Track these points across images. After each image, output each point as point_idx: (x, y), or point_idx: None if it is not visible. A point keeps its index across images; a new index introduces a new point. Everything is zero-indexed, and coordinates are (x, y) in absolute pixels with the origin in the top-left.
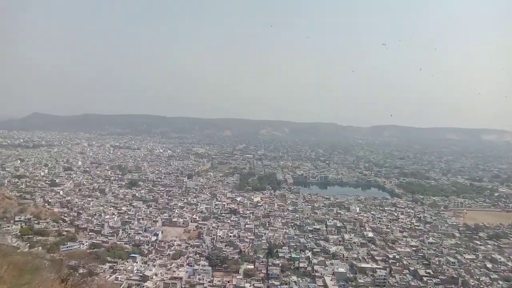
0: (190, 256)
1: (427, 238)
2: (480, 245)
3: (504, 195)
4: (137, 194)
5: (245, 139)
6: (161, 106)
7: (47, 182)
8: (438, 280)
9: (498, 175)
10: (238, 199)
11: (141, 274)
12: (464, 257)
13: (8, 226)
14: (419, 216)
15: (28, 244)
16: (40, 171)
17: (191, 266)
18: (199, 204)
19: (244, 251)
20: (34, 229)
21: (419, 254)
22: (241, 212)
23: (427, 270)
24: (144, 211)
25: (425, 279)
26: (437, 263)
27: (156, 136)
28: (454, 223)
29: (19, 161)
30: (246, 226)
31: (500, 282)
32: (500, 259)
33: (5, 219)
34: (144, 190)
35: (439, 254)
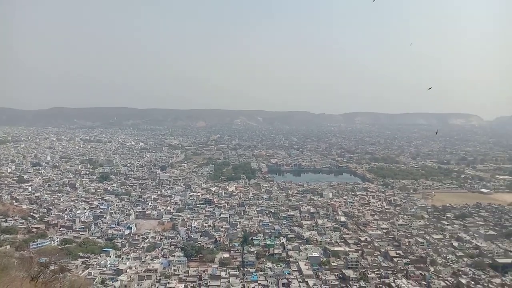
0: (165, 248)
1: (397, 220)
2: (447, 225)
3: (470, 177)
4: (109, 188)
5: (219, 129)
6: (132, 98)
7: (14, 178)
8: (408, 260)
9: (465, 158)
10: (213, 189)
11: (115, 268)
12: (432, 237)
13: None
14: (389, 199)
15: None
16: (6, 168)
17: (166, 257)
18: (173, 195)
19: (219, 240)
20: (2, 227)
21: (390, 236)
22: (216, 202)
23: (398, 251)
24: (116, 205)
25: (395, 259)
26: (407, 244)
27: (128, 129)
28: (423, 205)
29: None
30: (221, 215)
31: (465, 259)
32: (465, 237)
33: None
34: (116, 184)
35: (409, 235)
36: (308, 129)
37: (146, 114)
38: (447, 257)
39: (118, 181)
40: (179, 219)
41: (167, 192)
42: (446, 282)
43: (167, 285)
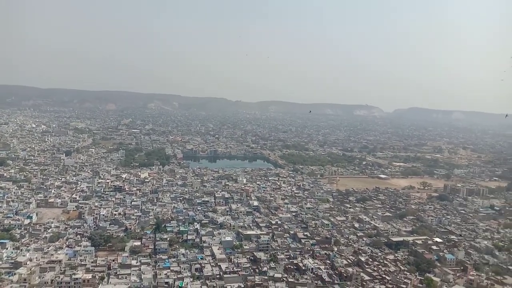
0: (70, 238)
1: (305, 203)
2: (349, 207)
3: (370, 163)
4: (5, 174)
5: (131, 113)
6: (33, 76)
7: None
8: (314, 240)
9: (366, 146)
10: (124, 176)
11: (12, 261)
12: (336, 219)
13: None
14: (299, 184)
15: None
16: None
17: (71, 247)
18: (79, 182)
19: (130, 228)
20: None
21: (298, 219)
22: (127, 189)
23: (305, 233)
24: (14, 193)
25: (303, 241)
26: (314, 225)
27: (28, 110)
28: (328, 189)
29: None
30: (133, 203)
31: (365, 239)
32: (365, 219)
33: None
34: (14, 170)
35: (316, 217)
36: (224, 116)
37: (49, 94)
38: (349, 237)
39: (16, 167)
40: (86, 207)
41: (72, 179)
42: (348, 260)
43: (73, 276)
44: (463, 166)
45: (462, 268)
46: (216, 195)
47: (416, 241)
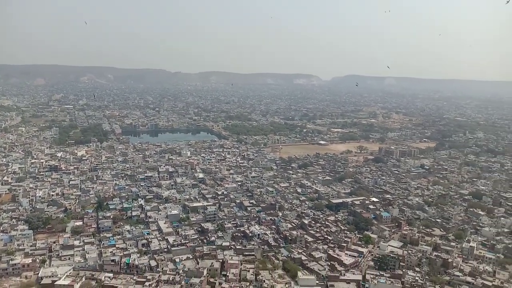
0: (4, 222)
1: (250, 173)
2: (292, 174)
3: (311, 131)
4: None
5: (62, 88)
6: None
7: None
8: (260, 208)
9: (306, 114)
10: (59, 154)
11: None
12: (280, 186)
13: None
14: (243, 154)
15: None
16: None
17: (6, 233)
18: (10, 164)
19: (70, 209)
20: None
21: (244, 188)
22: (63, 168)
23: (251, 201)
24: None
25: (249, 208)
26: (259, 193)
27: None
28: (272, 158)
29: None
30: (71, 182)
31: (307, 203)
32: (307, 184)
33: None
34: None
35: (260, 185)
36: (164, 88)
37: None
38: (293, 202)
39: None
40: (19, 189)
41: (2, 161)
42: (292, 224)
43: (11, 262)
44: (396, 129)
45: (396, 224)
46: (160, 170)
47: (355, 201)
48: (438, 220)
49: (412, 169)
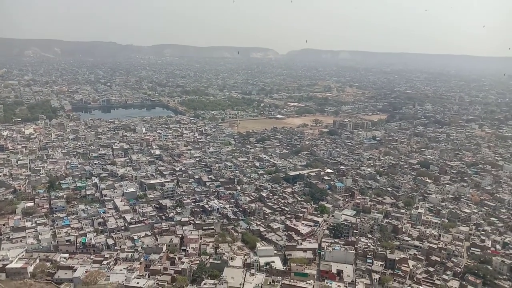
0: None
1: (208, 148)
2: (250, 148)
3: (268, 105)
4: None
5: (5, 62)
6: None
7: None
8: (219, 182)
9: (264, 88)
10: (5, 133)
11: None
12: (239, 160)
13: None
14: (201, 129)
15: None
16: None
17: None
18: None
19: (20, 190)
20: None
21: (202, 163)
22: (10, 147)
23: (210, 176)
24: None
25: (208, 184)
26: (217, 168)
27: None
28: (230, 133)
29: None
30: (19, 162)
31: (265, 176)
32: (265, 157)
33: None
34: None
35: (219, 160)
36: (115, 62)
37: None
38: (251, 176)
39: None
40: None
41: None
42: (251, 197)
43: None
44: (349, 102)
45: (350, 194)
46: (114, 147)
47: (311, 173)
48: (389, 188)
49: (365, 140)
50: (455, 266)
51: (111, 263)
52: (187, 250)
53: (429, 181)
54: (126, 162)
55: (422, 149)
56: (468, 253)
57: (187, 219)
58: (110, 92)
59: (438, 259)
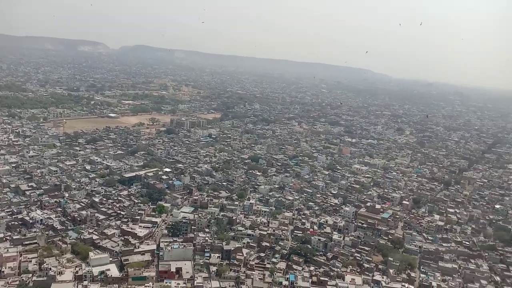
0: None
1: (27, 152)
2: (79, 150)
3: (99, 103)
4: None
5: None
6: None
7: None
8: (42, 190)
9: (94, 85)
10: None
11: None
12: (66, 164)
13: None
14: (17, 131)
15: None
16: None
17: None
18: None
19: None
20: None
21: (20, 170)
22: None
23: (30, 184)
24: None
25: (28, 192)
26: (40, 174)
27: None
28: (54, 133)
29: None
30: None
31: (98, 180)
32: (97, 159)
33: None
34: None
35: (41, 165)
36: None
37: None
38: (81, 181)
39: None
40: None
41: None
42: (81, 203)
43: None
44: (186, 101)
45: (188, 191)
46: None
47: (148, 174)
48: (224, 183)
49: (201, 138)
50: (282, 249)
51: None
52: (3, 271)
53: (258, 173)
54: None
55: (252, 145)
56: (292, 235)
57: (1, 235)
58: None
59: (268, 244)
